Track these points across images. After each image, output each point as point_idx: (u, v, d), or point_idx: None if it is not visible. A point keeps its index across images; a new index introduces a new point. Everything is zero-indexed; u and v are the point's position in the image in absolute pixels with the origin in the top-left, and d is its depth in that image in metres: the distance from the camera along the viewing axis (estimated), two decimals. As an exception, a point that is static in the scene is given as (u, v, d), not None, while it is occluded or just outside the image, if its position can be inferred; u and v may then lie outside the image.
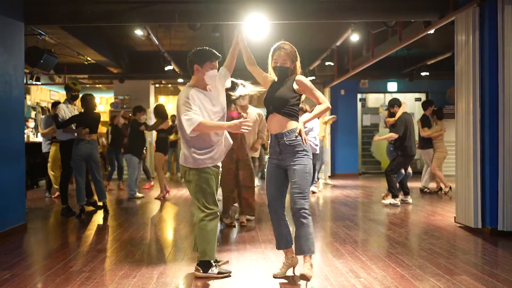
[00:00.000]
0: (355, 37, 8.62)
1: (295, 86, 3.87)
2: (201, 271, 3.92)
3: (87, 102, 7.32)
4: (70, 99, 7.53)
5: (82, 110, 7.48)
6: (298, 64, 3.98)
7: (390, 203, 7.83)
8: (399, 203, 7.84)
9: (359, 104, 14.37)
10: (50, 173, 8.96)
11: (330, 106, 3.93)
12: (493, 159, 5.50)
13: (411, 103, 14.16)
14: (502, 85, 5.42)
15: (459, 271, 4.03)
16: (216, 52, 3.97)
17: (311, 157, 3.90)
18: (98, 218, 7.01)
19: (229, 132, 4.10)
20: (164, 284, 3.74)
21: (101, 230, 6.27)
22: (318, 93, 3.90)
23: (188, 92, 3.84)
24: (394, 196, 7.83)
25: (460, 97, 5.93)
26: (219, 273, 3.94)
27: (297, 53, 3.97)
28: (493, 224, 5.47)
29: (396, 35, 8.11)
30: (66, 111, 7.28)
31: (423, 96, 14.73)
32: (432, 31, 7.10)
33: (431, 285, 3.64)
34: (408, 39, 7.56)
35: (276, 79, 4.01)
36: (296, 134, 3.79)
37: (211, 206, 3.94)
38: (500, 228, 5.40)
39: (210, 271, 3.92)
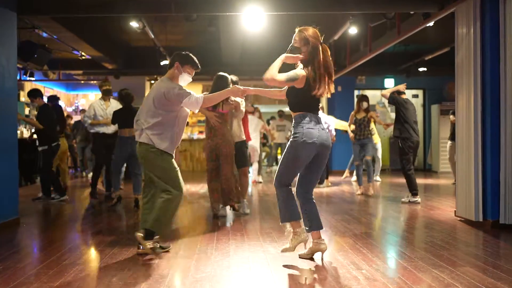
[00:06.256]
0: (353, 30, 8.51)
1: None
2: (143, 237, 4.18)
3: (126, 98, 7.21)
4: (104, 95, 8.14)
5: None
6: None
7: (409, 201, 7.39)
8: (419, 199, 7.40)
9: (356, 100, 14.28)
10: (61, 165, 8.93)
11: (273, 78, 3.79)
12: (495, 152, 5.43)
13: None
14: (504, 77, 5.34)
15: (462, 262, 3.95)
16: (198, 65, 4.34)
17: (298, 145, 3.91)
18: (93, 211, 6.90)
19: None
20: (160, 276, 3.64)
21: (96, 224, 6.15)
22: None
23: (175, 83, 4.24)
24: (414, 194, 7.40)
25: (461, 90, 5.84)
26: (152, 249, 4.21)
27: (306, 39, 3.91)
28: (494, 217, 5.40)
29: (395, 29, 8.02)
30: (98, 108, 7.89)
31: (420, 93, 14.70)
32: (431, 24, 7.03)
33: (434, 276, 3.56)
34: (406, 32, 7.47)
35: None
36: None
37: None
38: (502, 221, 5.33)
39: (148, 243, 4.17)
